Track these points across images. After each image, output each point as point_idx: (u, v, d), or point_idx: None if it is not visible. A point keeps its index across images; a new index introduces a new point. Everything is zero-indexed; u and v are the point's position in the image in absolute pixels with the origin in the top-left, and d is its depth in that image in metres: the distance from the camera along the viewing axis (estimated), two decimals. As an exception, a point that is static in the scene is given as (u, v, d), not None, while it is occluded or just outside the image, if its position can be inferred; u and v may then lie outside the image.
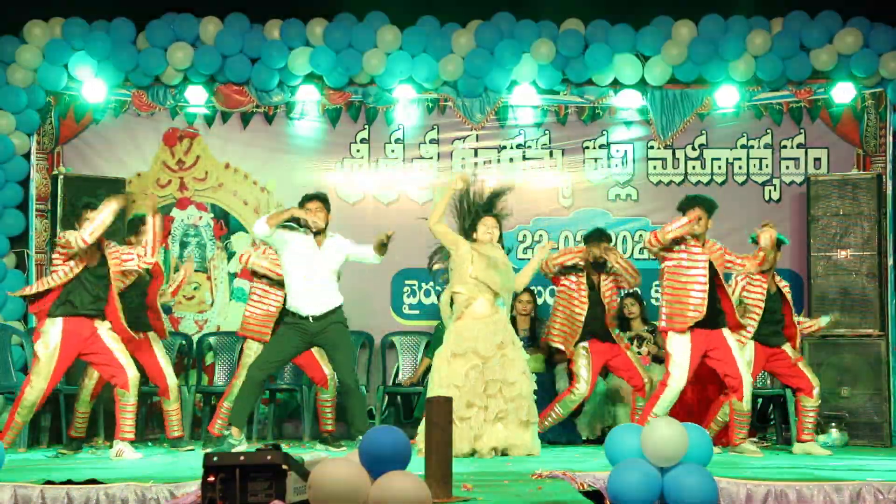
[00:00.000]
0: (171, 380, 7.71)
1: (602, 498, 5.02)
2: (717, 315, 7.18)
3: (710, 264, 7.15)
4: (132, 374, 6.89)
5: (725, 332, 7.21)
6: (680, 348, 7.11)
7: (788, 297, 7.71)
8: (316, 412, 8.26)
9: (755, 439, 8.06)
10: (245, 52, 8.98)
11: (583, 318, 7.77)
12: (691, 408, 7.83)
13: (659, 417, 5.02)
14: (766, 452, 7.55)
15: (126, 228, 7.84)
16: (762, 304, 7.58)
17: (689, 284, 7.11)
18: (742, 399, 7.16)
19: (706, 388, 7.78)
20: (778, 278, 7.77)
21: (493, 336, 6.90)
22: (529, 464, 6.08)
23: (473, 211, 7.18)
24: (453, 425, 6.49)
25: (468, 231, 7.16)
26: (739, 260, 7.35)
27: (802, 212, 8.91)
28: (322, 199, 7.19)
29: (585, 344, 7.76)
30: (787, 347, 7.67)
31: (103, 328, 6.92)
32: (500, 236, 7.26)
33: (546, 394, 8.20)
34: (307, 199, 7.18)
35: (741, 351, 7.29)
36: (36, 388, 6.80)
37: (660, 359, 8.13)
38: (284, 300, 7.35)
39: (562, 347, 7.90)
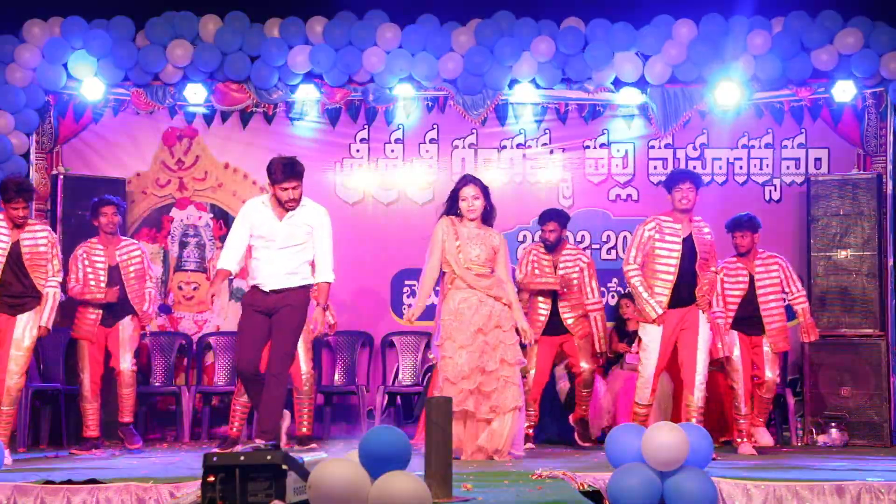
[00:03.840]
0: (125, 364, 7.53)
1: (602, 498, 5.03)
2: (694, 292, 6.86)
3: (689, 239, 6.82)
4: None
5: (702, 314, 6.85)
6: (650, 336, 6.84)
7: (769, 280, 7.53)
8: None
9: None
10: (244, 49, 8.97)
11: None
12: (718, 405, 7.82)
13: (660, 422, 4.98)
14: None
15: (91, 210, 7.74)
16: (741, 292, 7.45)
17: (659, 273, 6.83)
18: (692, 392, 6.78)
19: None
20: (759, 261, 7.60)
21: (472, 318, 6.60)
22: (529, 464, 6.08)
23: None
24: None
25: (452, 209, 6.80)
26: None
27: (802, 212, 8.90)
28: (300, 176, 6.45)
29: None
30: (765, 340, 7.43)
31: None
32: (489, 208, 6.80)
33: (545, 394, 8.19)
34: (286, 177, 6.36)
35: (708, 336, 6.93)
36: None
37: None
38: None
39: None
